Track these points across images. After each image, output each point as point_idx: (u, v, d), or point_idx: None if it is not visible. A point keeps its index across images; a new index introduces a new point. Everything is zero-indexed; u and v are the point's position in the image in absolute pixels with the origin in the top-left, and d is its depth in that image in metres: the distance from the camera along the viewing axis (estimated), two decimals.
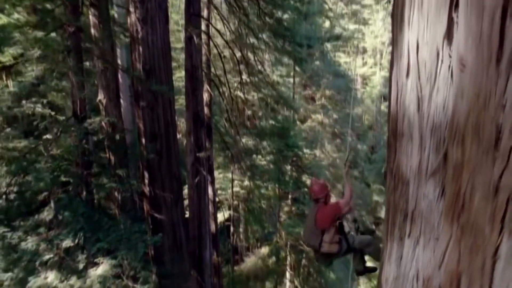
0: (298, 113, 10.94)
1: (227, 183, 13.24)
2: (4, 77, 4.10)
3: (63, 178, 4.76)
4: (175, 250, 8.01)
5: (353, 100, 14.28)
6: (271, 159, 8.84)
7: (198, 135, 9.28)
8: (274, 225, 6.91)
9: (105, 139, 5.40)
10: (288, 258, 6.41)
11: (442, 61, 0.83)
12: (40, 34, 4.49)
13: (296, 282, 6.28)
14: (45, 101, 4.52)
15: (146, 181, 7.81)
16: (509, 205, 0.72)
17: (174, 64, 11.29)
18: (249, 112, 12.23)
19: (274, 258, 6.23)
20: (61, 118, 4.64)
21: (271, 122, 10.63)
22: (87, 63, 5.69)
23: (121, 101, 7.97)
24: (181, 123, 13.22)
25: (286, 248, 6.30)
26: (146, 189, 7.84)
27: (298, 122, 12.62)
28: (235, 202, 12.94)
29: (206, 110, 10.04)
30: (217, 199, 13.19)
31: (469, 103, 0.76)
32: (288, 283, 6.35)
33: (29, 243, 4.15)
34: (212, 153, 10.99)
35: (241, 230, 12.95)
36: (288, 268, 6.31)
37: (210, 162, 10.95)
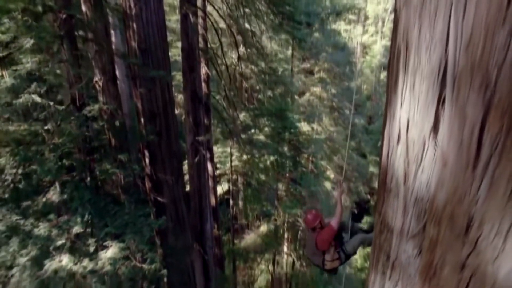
0: (294, 93, 10.84)
1: (226, 157, 13.50)
2: None
3: (67, 165, 4.88)
4: (178, 225, 8.41)
5: (355, 75, 14.08)
6: (269, 133, 8.93)
7: (197, 114, 9.29)
8: (272, 203, 7.21)
9: (105, 125, 5.44)
10: (286, 234, 6.80)
11: (428, 149, 0.92)
12: (30, 20, 4.33)
13: (293, 256, 6.75)
14: (42, 90, 4.49)
15: (147, 159, 8.00)
16: (472, 280, 0.86)
17: (169, 38, 10.89)
18: (246, 85, 12.11)
19: (272, 235, 6.63)
20: (61, 107, 4.64)
21: (269, 96, 10.61)
22: (82, 45, 5.55)
23: (118, 81, 7.86)
24: (179, 99, 13.11)
25: (283, 226, 6.66)
26: (147, 167, 8.05)
27: (296, 97, 12.54)
28: (234, 177, 13.29)
29: (204, 87, 9.93)
30: (216, 173, 13.55)
31: (447, 195, 0.87)
32: (285, 256, 6.81)
33: (41, 229, 4.39)
34: (211, 130, 11.08)
35: (240, 203, 13.47)
36: (285, 242, 6.73)
37: (209, 138, 11.08)
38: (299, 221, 6.31)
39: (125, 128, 6.04)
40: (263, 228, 6.86)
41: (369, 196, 20.76)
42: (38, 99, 4.43)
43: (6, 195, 4.54)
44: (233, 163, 12.38)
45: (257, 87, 11.28)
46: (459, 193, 0.83)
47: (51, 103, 4.59)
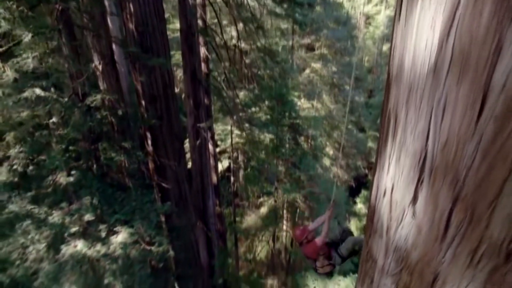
0: (294, 72, 10.69)
1: (226, 135, 13.66)
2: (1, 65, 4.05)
3: (73, 155, 5.05)
4: (181, 204, 8.77)
5: (356, 50, 13.77)
6: (269, 115, 9.00)
7: (197, 95, 9.28)
8: (273, 182, 7.47)
9: (108, 114, 5.53)
10: (285, 213, 7.16)
11: (407, 214, 1.08)
12: (26, 10, 4.26)
13: (291, 233, 7.17)
14: (44, 83, 4.52)
15: (149, 141, 8.16)
16: None
17: (167, 14, 10.52)
18: (246, 61, 11.92)
19: (272, 216, 6.97)
20: (64, 99, 4.70)
21: (269, 75, 10.51)
22: (80, 36, 5.46)
23: (117, 65, 7.77)
24: (179, 77, 12.97)
25: (283, 207, 6.98)
26: (149, 147, 8.24)
27: (296, 75, 12.40)
28: (235, 154, 13.55)
29: (203, 67, 9.80)
30: (217, 150, 13.80)
31: (419, 255, 1.04)
32: (284, 233, 7.25)
33: (55, 217, 4.66)
34: (211, 110, 11.10)
35: (240, 179, 13.86)
36: (284, 221, 7.12)
37: (210, 115, 11.15)
38: (298, 202, 6.63)
39: (127, 115, 6.11)
40: (263, 209, 7.20)
41: (367, 171, 21.26)
42: (41, 93, 4.48)
43: (18, 181, 4.76)
44: (233, 141, 12.58)
45: (257, 65, 11.13)
46: (428, 256, 1.01)
47: (54, 96, 4.65)
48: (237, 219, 9.55)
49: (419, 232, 1.04)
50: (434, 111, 0.89)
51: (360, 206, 18.30)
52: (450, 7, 0.80)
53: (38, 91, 4.37)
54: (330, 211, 2.69)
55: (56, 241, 4.55)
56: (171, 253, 5.57)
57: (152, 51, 7.47)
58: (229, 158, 13.96)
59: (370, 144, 19.82)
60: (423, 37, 0.90)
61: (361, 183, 20.33)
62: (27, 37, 4.22)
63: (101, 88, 6.93)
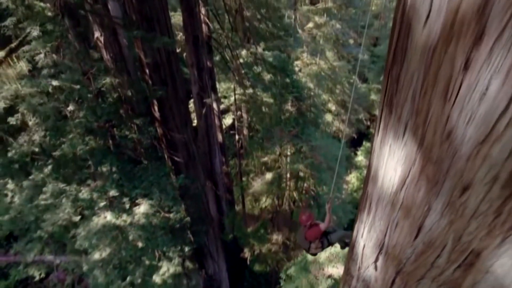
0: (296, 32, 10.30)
1: (228, 90, 13.75)
2: (14, 59, 4.21)
3: (91, 138, 5.48)
4: (190, 165, 9.44)
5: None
6: (271, 71, 9.00)
7: (200, 60, 9.23)
8: (276, 143, 7.90)
9: (118, 95, 5.78)
10: (288, 179, 7.79)
11: (371, 267, 1.55)
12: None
13: (294, 194, 7.92)
14: (56, 73, 4.71)
15: (156, 107, 8.48)
16: None
17: None
18: (247, 14, 11.42)
19: (276, 183, 7.62)
20: (76, 86, 4.92)
21: (271, 33, 10.21)
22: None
23: (119, 36, 7.63)
24: (179, 37, 12.55)
25: (286, 176, 7.56)
26: (156, 114, 8.60)
27: (299, 30, 11.94)
28: (238, 113, 13.83)
29: (204, 28, 9.51)
30: (221, 107, 14.05)
31: None
32: (287, 195, 8.00)
33: (84, 193, 5.30)
34: (214, 71, 11.05)
35: (245, 135, 14.38)
36: (287, 188, 7.80)
37: (213, 78, 11.19)
38: (300, 170, 7.18)
39: (135, 94, 6.31)
40: (268, 176, 7.81)
41: (368, 123, 21.57)
42: (55, 82, 4.71)
43: (49, 167, 5.30)
44: (237, 99, 12.76)
45: (257, 23, 10.73)
46: None
47: (68, 84, 4.87)
48: (243, 179, 10.33)
49: (376, 281, 1.53)
50: (390, 223, 1.30)
51: (360, 159, 19.05)
52: (406, 166, 1.15)
53: (54, 82, 4.60)
54: (329, 204, 3.20)
55: (90, 214, 5.27)
56: (188, 219, 6.36)
57: (152, 21, 7.32)
58: (232, 114, 14.28)
59: (373, 96, 19.76)
60: (389, 172, 1.26)
61: (362, 135, 20.84)
62: (35, 31, 4.30)
63: (105, 57, 7.00)
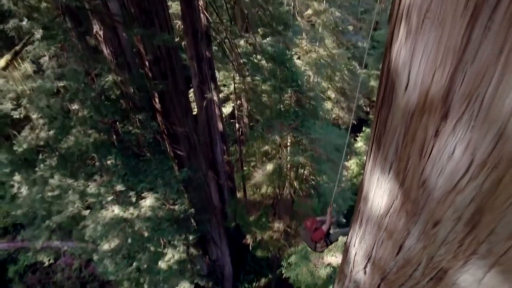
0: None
1: (228, 79, 13.76)
2: (19, 60, 4.30)
3: (96, 135, 5.63)
4: (192, 155, 9.64)
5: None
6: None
7: (199, 50, 9.22)
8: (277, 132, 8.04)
9: (120, 92, 5.88)
10: (288, 172, 8.01)
11: (361, 271, 1.78)
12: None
13: (295, 183, 8.19)
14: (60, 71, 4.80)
15: (157, 99, 8.59)
16: None
17: None
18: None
19: (277, 174, 7.84)
20: (81, 85, 5.03)
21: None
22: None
23: (118, 30, 7.61)
24: (178, 26, 12.39)
25: (286, 166, 7.76)
26: (157, 106, 8.72)
27: (298, 19, 11.81)
28: (238, 102, 13.88)
29: (203, 18, 9.43)
30: (220, 96, 14.09)
31: None
32: (288, 184, 8.27)
33: (92, 188, 5.53)
34: (213, 61, 11.02)
35: (245, 120, 14.51)
36: (288, 179, 8.05)
37: (212, 68, 11.19)
38: (300, 163, 7.38)
39: (135, 90, 6.41)
40: (269, 167, 8.01)
41: (368, 109, 21.64)
42: (60, 83, 4.82)
43: (56, 162, 5.49)
44: (236, 87, 12.80)
45: (255, 12, 10.62)
46: None
47: (72, 83, 4.98)
48: (245, 168, 10.56)
49: (364, 284, 1.76)
50: (377, 240, 1.51)
51: (360, 144, 19.22)
52: (390, 199, 1.34)
53: (60, 83, 4.71)
54: (330, 210, 3.48)
55: (99, 208, 5.52)
56: (192, 210, 6.64)
57: (151, 14, 7.30)
58: (232, 103, 14.35)
59: (372, 83, 19.70)
60: (376, 198, 1.46)
61: (362, 120, 20.96)
62: (39, 33, 4.36)
63: (105, 52, 7.04)
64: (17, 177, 6.28)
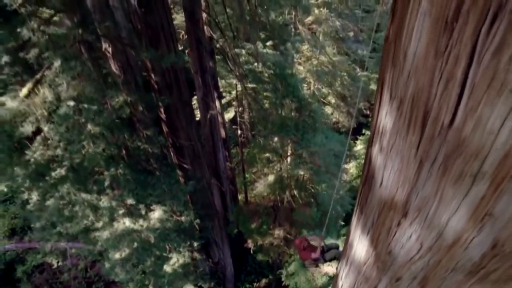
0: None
1: (231, 87, 14.10)
2: (38, 86, 4.64)
3: (108, 151, 5.98)
4: (196, 162, 9.99)
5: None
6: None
7: (203, 63, 9.52)
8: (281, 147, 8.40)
9: (131, 112, 6.21)
10: (288, 181, 8.39)
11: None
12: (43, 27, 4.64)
13: (295, 192, 8.56)
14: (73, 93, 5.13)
15: (162, 109, 8.93)
16: None
17: None
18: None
19: (278, 184, 8.22)
20: (93, 107, 5.36)
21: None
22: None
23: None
24: (182, 36, 12.68)
25: (288, 177, 8.12)
26: (163, 116, 9.06)
27: (299, 27, 12.08)
28: (240, 109, 14.21)
29: (206, 30, 9.72)
30: (223, 101, 14.43)
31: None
32: (288, 194, 8.65)
33: (104, 202, 5.89)
34: (216, 70, 11.33)
35: (248, 122, 14.85)
36: (288, 189, 8.43)
37: (215, 77, 11.50)
38: (300, 174, 7.72)
39: (143, 108, 6.72)
40: (270, 177, 8.37)
41: (368, 112, 21.93)
42: (71, 102, 5.16)
43: (70, 176, 5.84)
44: (238, 94, 13.13)
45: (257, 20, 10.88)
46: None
47: (86, 106, 5.32)
48: (247, 176, 10.91)
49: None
50: (357, 281, 1.87)
51: (359, 147, 19.53)
52: (367, 254, 1.69)
53: (72, 104, 5.05)
54: (321, 239, 3.80)
55: (110, 220, 5.88)
56: (198, 221, 7.01)
57: (156, 29, 7.63)
58: (234, 108, 14.68)
59: (372, 86, 19.96)
60: (358, 249, 1.81)
61: (361, 124, 21.26)
62: (57, 62, 4.70)
63: (113, 67, 7.36)
64: (28, 184, 6.65)
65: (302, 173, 7.49)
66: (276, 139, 7.77)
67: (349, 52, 14.22)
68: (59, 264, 12.39)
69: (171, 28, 8.05)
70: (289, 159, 8.84)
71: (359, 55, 14.49)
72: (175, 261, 8.05)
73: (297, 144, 7.37)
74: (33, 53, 4.72)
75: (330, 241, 8.07)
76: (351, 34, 16.05)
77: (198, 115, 12.56)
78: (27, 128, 4.90)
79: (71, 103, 5.09)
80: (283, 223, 9.13)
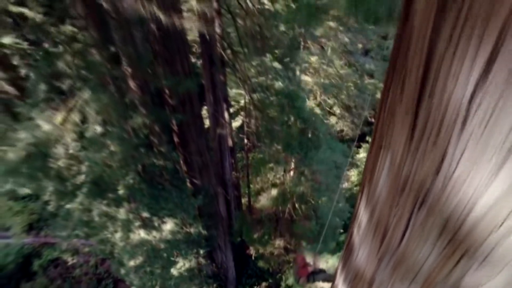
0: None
1: (239, 96, 14.60)
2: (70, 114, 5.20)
3: (126, 168, 6.54)
4: (204, 172, 10.54)
5: None
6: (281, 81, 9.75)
7: (214, 79, 10.01)
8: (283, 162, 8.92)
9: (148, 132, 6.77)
10: (290, 195, 8.90)
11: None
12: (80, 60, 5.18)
13: (296, 205, 9.07)
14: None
15: (173, 121, 9.46)
16: None
17: None
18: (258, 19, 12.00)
19: (281, 199, 8.74)
20: (114, 129, 5.92)
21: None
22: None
23: None
24: (195, 49, 13.17)
25: (290, 192, 8.63)
26: (174, 128, 9.60)
27: (308, 41, 12.48)
28: (247, 119, 14.70)
29: (219, 47, 10.20)
30: (231, 110, 14.94)
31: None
32: (290, 208, 9.17)
33: (122, 214, 6.48)
34: (226, 83, 11.81)
35: (254, 130, 15.34)
36: (290, 205, 8.94)
37: (225, 90, 11.99)
38: (302, 191, 8.23)
39: (160, 128, 7.26)
40: (274, 192, 8.87)
41: (373, 119, 22.24)
42: (99, 129, 5.72)
43: (89, 189, 6.43)
44: (246, 104, 13.60)
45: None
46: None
47: (110, 129, 5.88)
48: (251, 186, 11.44)
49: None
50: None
51: (362, 155, 19.87)
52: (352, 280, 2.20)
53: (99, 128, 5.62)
54: (316, 258, 4.32)
55: (127, 232, 6.47)
56: (205, 232, 7.57)
57: (173, 51, 8.13)
58: (242, 117, 15.19)
59: (378, 95, 20.25)
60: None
61: (364, 133, 21.61)
62: (87, 92, 5.25)
63: (132, 86, 7.91)
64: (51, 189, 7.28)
65: (303, 189, 7.98)
66: (280, 158, 8.26)
67: (357, 66, 14.55)
68: (74, 261, 13.15)
69: (186, 50, 8.54)
70: (292, 172, 9.33)
71: (367, 69, 14.83)
72: (182, 265, 8.65)
73: (300, 161, 7.84)
74: (66, 83, 5.29)
75: (326, 256, 8.62)
76: (360, 46, 16.35)
77: (206, 121, 13.09)
78: (60, 150, 5.49)
79: (98, 128, 5.66)
80: (284, 233, 9.67)
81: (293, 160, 8.32)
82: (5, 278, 12.81)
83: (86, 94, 5.21)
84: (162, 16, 5.42)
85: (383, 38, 16.63)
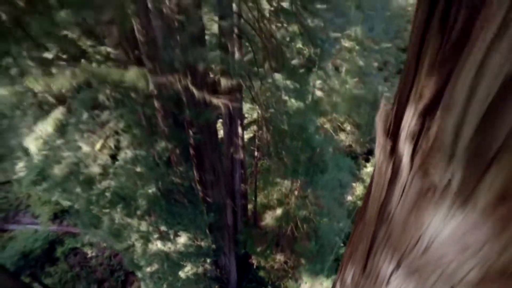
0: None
1: (252, 110, 15.29)
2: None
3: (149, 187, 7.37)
4: (216, 185, 11.29)
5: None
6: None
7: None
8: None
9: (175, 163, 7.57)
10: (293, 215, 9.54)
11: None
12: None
13: (298, 223, 9.72)
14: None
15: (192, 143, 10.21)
16: None
17: None
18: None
19: (285, 218, 9.36)
20: (142, 153, 6.74)
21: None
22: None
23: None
24: None
25: (294, 214, 9.26)
26: (192, 145, 10.35)
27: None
28: (260, 132, 15.39)
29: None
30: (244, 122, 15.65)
31: None
32: (292, 225, 9.81)
33: (143, 227, 7.33)
34: (242, 103, 12.48)
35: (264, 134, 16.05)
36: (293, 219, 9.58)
37: (240, 109, 12.67)
38: (307, 211, 8.84)
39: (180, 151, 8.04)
40: (278, 211, 9.52)
41: None
42: (129, 152, 6.54)
43: (110, 202, 7.30)
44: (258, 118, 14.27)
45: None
46: None
47: (138, 153, 6.70)
48: (258, 200, 12.15)
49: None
50: None
51: (369, 170, 20.23)
52: None
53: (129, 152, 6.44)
54: None
55: (147, 243, 7.33)
56: (214, 246, 8.37)
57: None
58: (254, 132, 15.87)
59: None
60: None
61: (372, 149, 21.95)
62: (121, 124, 6.07)
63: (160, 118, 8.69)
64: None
65: (305, 213, 8.62)
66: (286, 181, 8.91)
67: (370, 86, 14.94)
68: (91, 252, 14.31)
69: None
70: (296, 192, 9.99)
71: (380, 90, 15.23)
72: (189, 269, 9.51)
73: (305, 186, 8.49)
74: (105, 113, 6.12)
75: (321, 279, 9.28)
76: (375, 64, 16.70)
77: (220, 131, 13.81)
78: (96, 169, 6.35)
79: (129, 152, 6.49)
80: (285, 249, 10.33)
81: (299, 181, 8.97)
82: (33, 261, 14.14)
83: (121, 124, 6.04)
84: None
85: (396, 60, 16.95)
